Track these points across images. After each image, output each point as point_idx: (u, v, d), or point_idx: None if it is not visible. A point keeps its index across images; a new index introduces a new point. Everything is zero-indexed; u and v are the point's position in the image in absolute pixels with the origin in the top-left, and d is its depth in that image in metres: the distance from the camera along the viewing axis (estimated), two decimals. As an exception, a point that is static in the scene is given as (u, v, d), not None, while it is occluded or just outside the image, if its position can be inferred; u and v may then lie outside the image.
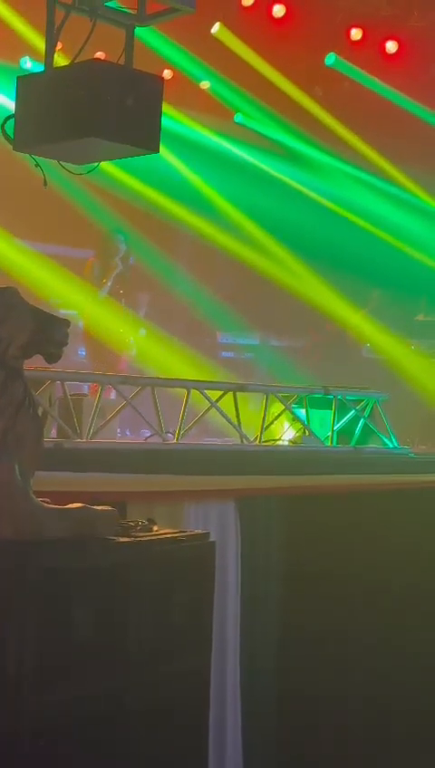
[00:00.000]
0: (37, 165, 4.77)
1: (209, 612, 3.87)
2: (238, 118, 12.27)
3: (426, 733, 5.79)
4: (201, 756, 3.80)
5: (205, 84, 11.93)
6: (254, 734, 5.15)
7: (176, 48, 11.14)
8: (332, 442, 6.36)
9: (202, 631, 3.79)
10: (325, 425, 6.46)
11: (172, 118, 11.27)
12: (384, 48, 11.66)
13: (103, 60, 4.83)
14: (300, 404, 6.56)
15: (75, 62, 4.63)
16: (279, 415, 6.48)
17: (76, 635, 3.30)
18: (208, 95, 12.01)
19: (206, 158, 12.21)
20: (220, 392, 6.08)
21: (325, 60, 11.67)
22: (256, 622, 5.23)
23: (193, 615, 3.70)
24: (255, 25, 11.22)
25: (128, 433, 7.99)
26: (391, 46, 11.65)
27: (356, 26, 11.53)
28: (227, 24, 11.24)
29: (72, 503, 3.52)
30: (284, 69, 11.68)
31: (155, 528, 3.77)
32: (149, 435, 6.12)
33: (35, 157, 4.78)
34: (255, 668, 5.22)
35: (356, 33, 11.55)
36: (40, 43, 5.47)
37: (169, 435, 5.88)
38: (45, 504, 3.44)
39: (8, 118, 4.72)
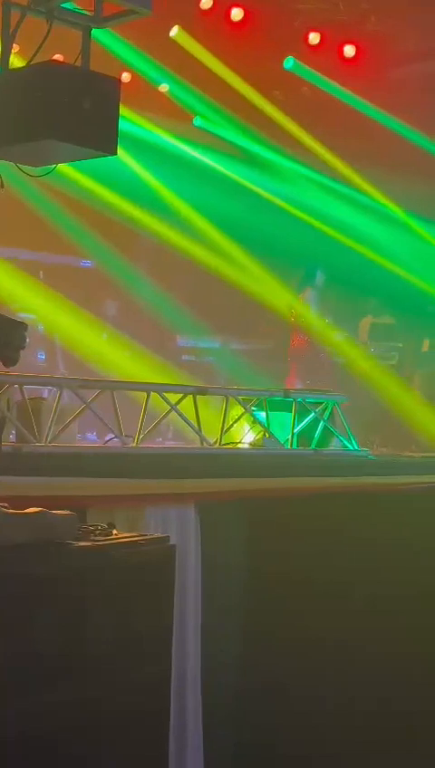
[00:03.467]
0: (-7, 167, 4.74)
1: (170, 616, 3.86)
2: (197, 121, 12.27)
3: (392, 734, 5.80)
4: (161, 764, 3.77)
5: (163, 87, 11.92)
6: (214, 740, 5.14)
7: (134, 51, 11.12)
8: (292, 445, 6.37)
9: (162, 636, 3.77)
10: (285, 427, 6.47)
11: (131, 121, 11.26)
12: (342, 52, 11.71)
13: (60, 62, 4.80)
14: (260, 407, 6.56)
15: (32, 63, 4.60)
16: (239, 418, 6.49)
17: (35, 641, 3.27)
18: (167, 98, 12.01)
19: (165, 161, 12.21)
20: (180, 395, 6.07)
21: (284, 63, 11.71)
22: (216, 626, 5.22)
23: (153, 619, 3.68)
24: (213, 29, 11.23)
25: (90, 437, 7.96)
26: (349, 50, 11.71)
27: (314, 30, 11.57)
28: (186, 26, 11.23)
29: (31, 507, 3.49)
30: (243, 72, 11.70)
31: (115, 532, 3.75)
32: (109, 438, 6.10)
33: (-9, 158, 4.75)
34: (216, 673, 5.21)
35: (314, 37, 11.59)
36: (-4, 45, 5.43)
37: (129, 438, 5.85)
38: (3, 509, 3.41)
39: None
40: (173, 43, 11.29)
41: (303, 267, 11.68)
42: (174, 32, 11.25)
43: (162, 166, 12.26)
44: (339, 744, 5.59)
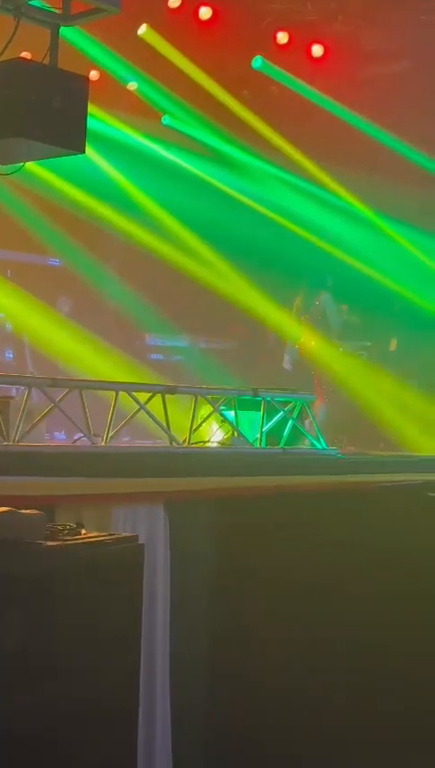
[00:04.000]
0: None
1: (138, 615, 3.85)
2: (166, 120, 12.26)
3: (361, 729, 5.82)
4: (130, 761, 3.77)
5: (132, 86, 11.90)
6: (183, 738, 5.14)
7: (102, 49, 11.10)
8: (260, 443, 6.38)
9: (131, 634, 3.77)
10: (254, 426, 6.47)
11: (99, 119, 11.23)
12: (310, 52, 11.74)
13: (28, 59, 4.79)
14: (229, 406, 6.57)
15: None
16: (208, 417, 6.49)
17: (2, 641, 3.25)
18: (136, 96, 11.99)
19: (133, 159, 12.19)
20: (149, 394, 6.06)
21: (252, 63, 11.73)
22: (185, 625, 5.22)
23: (122, 618, 3.68)
24: (181, 27, 11.23)
25: (59, 436, 7.93)
26: (317, 50, 11.75)
27: (282, 30, 11.59)
28: (154, 25, 11.22)
29: (-1, 507, 3.48)
30: (211, 71, 11.71)
31: (83, 531, 3.75)
32: (77, 437, 6.08)
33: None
34: (184, 672, 5.21)
35: (283, 37, 11.61)
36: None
37: (98, 437, 5.84)
38: (-29, 509, 3.40)
39: None
40: (141, 41, 11.28)
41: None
42: (142, 30, 11.24)
43: (131, 164, 12.24)
44: (308, 739, 5.61)
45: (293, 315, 11.89)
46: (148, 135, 12.19)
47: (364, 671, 5.87)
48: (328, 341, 11.41)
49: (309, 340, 11.38)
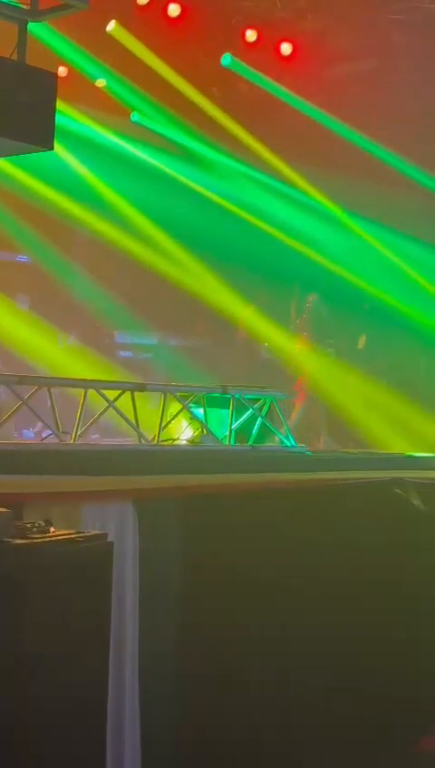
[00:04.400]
0: None
1: (107, 613, 3.85)
2: (135, 116, 12.24)
3: (327, 723, 5.84)
4: (99, 758, 3.76)
5: (101, 82, 11.87)
6: (153, 735, 5.13)
7: (71, 45, 11.06)
8: (230, 441, 6.38)
9: (100, 633, 3.76)
10: (223, 424, 6.47)
11: (68, 116, 11.20)
12: (279, 50, 11.76)
13: (-4, 55, 4.76)
14: (198, 403, 6.56)
15: (-34, 56, 4.55)
16: (177, 414, 6.48)
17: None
18: (104, 93, 11.95)
19: (102, 156, 12.16)
20: (118, 392, 6.04)
21: (221, 60, 11.72)
22: (154, 622, 5.21)
23: (91, 616, 3.67)
24: (150, 24, 11.21)
25: (27, 433, 7.91)
26: (286, 48, 11.77)
27: (251, 28, 11.61)
28: (123, 22, 11.20)
29: (-34, 505, 3.46)
30: (180, 68, 11.70)
31: (51, 529, 3.73)
32: (46, 435, 6.05)
33: None
34: (154, 670, 5.20)
35: (251, 35, 11.63)
36: None
37: (66, 435, 5.82)
38: None
39: None
40: (110, 38, 11.25)
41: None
42: (111, 26, 11.21)
43: (100, 161, 12.21)
44: (276, 734, 5.62)
45: (291, 319, 11.87)
46: (116, 132, 12.17)
47: (332, 668, 5.89)
48: (319, 346, 11.36)
49: (300, 347, 11.28)
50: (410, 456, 7.01)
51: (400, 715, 6.06)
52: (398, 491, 6.34)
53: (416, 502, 6.36)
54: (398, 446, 9.14)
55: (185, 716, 5.30)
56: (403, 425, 10.16)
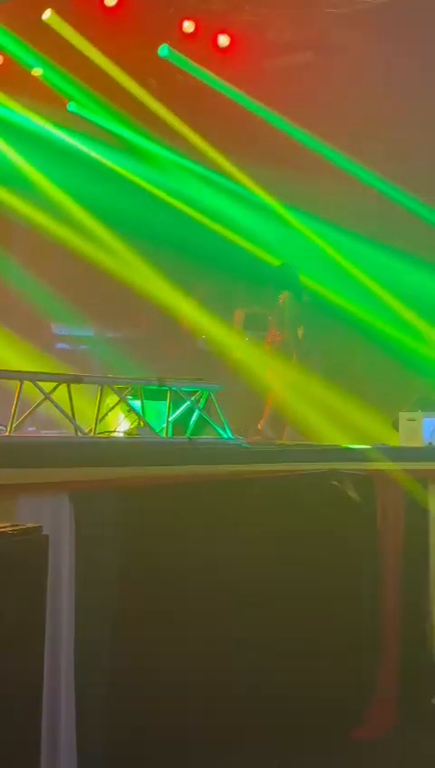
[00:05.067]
0: None
1: (42, 607, 3.82)
2: (71, 106, 12.13)
3: (261, 716, 5.87)
4: (33, 752, 3.74)
5: (37, 71, 11.74)
6: (88, 728, 5.12)
7: (6, 33, 10.92)
8: (166, 433, 6.37)
9: (35, 627, 3.73)
10: (160, 416, 6.46)
11: (3, 105, 11.07)
12: (217, 41, 11.75)
13: None
14: (135, 396, 6.54)
15: None
16: (114, 406, 6.46)
17: None
18: (40, 83, 11.83)
19: (38, 146, 12.04)
20: (54, 384, 6.00)
21: (158, 51, 11.67)
22: (90, 616, 5.20)
23: (26, 610, 3.64)
24: (87, 13, 11.12)
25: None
26: (224, 40, 11.76)
27: (188, 18, 11.57)
28: (59, 10, 11.08)
29: None
30: (117, 58, 11.62)
31: (-14, 523, 3.70)
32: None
33: None
34: (89, 662, 5.19)
35: (189, 26, 11.60)
36: None
37: (2, 427, 5.77)
38: None
39: None
40: (46, 26, 11.13)
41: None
42: (47, 15, 11.09)
43: (36, 151, 12.09)
44: (210, 726, 5.64)
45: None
46: (53, 121, 12.06)
47: (265, 657, 5.92)
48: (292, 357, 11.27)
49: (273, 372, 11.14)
50: (347, 448, 7.07)
51: (335, 704, 6.11)
52: (334, 483, 6.39)
53: (352, 493, 6.42)
54: (334, 438, 9.20)
55: (120, 706, 5.30)
56: (340, 417, 10.22)
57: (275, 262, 11.71)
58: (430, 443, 7.26)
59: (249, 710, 5.82)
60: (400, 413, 7.56)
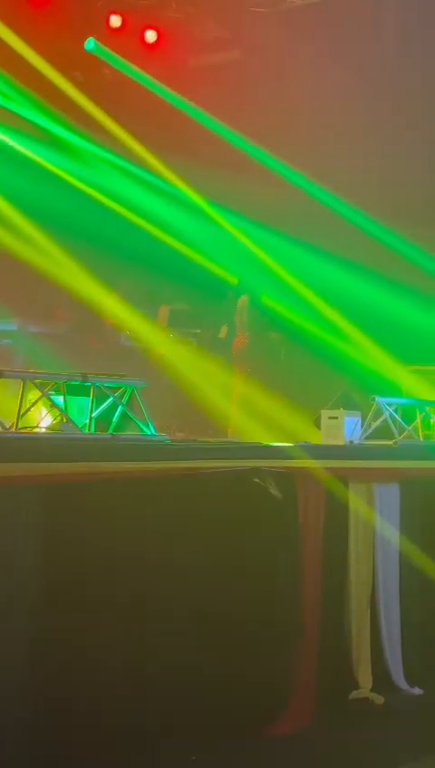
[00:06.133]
0: None
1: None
2: (-4, 99, 12.01)
3: (184, 705, 5.89)
4: None
5: (-40, 62, 11.59)
6: (4, 718, 5.10)
7: None
8: (89, 429, 6.34)
9: None
10: (83, 412, 6.43)
11: None
12: (143, 37, 11.73)
13: None
14: (58, 391, 6.50)
15: None
16: (36, 401, 6.40)
17: None
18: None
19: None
20: (-25, 379, 5.93)
21: (85, 45, 11.61)
22: (6, 611, 5.16)
23: None
24: (13, 5, 11.02)
25: None
26: (151, 35, 11.75)
27: (115, 13, 11.54)
28: (-17, 1, 10.97)
29: None
30: (43, 51, 11.52)
31: None
32: None
33: None
34: (5, 661, 5.16)
35: (115, 20, 11.57)
36: None
37: None
38: None
39: None
40: (-30, 17, 11.01)
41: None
42: (-29, 6, 10.97)
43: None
44: (130, 716, 5.64)
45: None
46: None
47: (187, 654, 5.94)
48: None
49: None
50: (269, 446, 7.11)
51: (252, 700, 6.15)
52: (256, 480, 6.42)
53: (274, 491, 6.45)
54: (256, 435, 9.25)
55: (38, 701, 5.28)
56: (262, 414, 10.29)
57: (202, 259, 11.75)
58: (351, 441, 7.34)
59: (166, 707, 5.83)
60: (322, 411, 7.62)
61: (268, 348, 11.61)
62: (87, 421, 6.37)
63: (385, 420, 7.44)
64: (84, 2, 11.40)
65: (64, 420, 6.33)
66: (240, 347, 10.88)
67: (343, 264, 11.57)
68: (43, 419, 6.50)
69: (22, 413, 6.11)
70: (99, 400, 6.43)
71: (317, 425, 7.71)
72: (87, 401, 6.41)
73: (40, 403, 6.40)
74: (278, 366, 11.68)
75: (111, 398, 6.50)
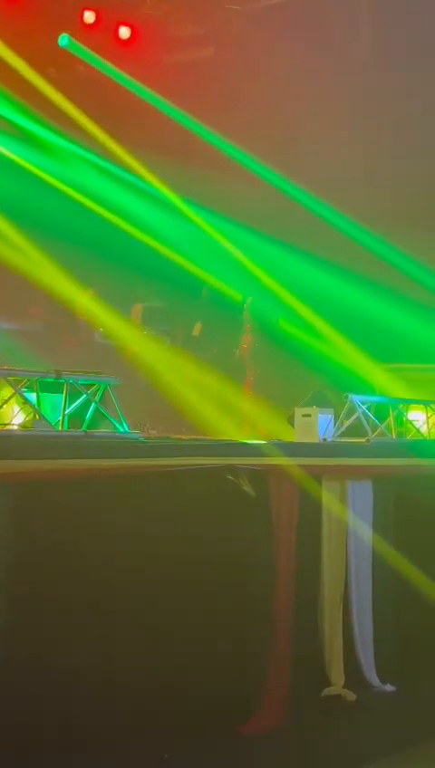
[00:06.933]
0: None
1: None
2: (-32, 95, 11.93)
3: (157, 716, 5.88)
4: None
5: None
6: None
7: None
8: (62, 426, 6.32)
9: None
10: (56, 409, 6.40)
11: None
12: (118, 33, 11.70)
13: None
14: (31, 388, 6.47)
15: None
16: (9, 398, 6.37)
17: None
18: None
19: None
20: None
21: (59, 41, 11.56)
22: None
23: None
24: (-15, 0, 10.97)
25: None
26: (125, 32, 11.72)
27: (89, 9, 11.50)
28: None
29: None
30: (16, 47, 11.46)
31: None
32: None
33: None
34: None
35: (89, 16, 11.54)
36: None
37: None
38: None
39: None
40: None
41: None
42: None
43: None
44: (100, 715, 5.63)
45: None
46: None
47: (157, 654, 5.93)
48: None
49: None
50: (242, 443, 7.11)
51: (226, 697, 6.15)
52: (229, 477, 6.42)
53: (247, 488, 6.46)
54: (229, 432, 9.25)
55: (10, 698, 5.26)
56: (236, 412, 10.29)
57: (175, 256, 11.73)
58: (325, 438, 7.35)
59: (137, 706, 5.81)
60: (295, 408, 7.63)
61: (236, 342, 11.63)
62: (60, 418, 6.35)
63: (358, 418, 7.46)
64: (59, -3, 11.38)
65: (37, 417, 6.30)
66: (247, 349, 10.91)
67: (318, 263, 11.59)
68: (15, 416, 6.47)
69: (-6, 410, 6.08)
70: (72, 397, 6.41)
71: (291, 422, 7.72)
72: (60, 398, 6.39)
73: (12, 400, 6.37)
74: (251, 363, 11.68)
75: (84, 396, 6.48)
